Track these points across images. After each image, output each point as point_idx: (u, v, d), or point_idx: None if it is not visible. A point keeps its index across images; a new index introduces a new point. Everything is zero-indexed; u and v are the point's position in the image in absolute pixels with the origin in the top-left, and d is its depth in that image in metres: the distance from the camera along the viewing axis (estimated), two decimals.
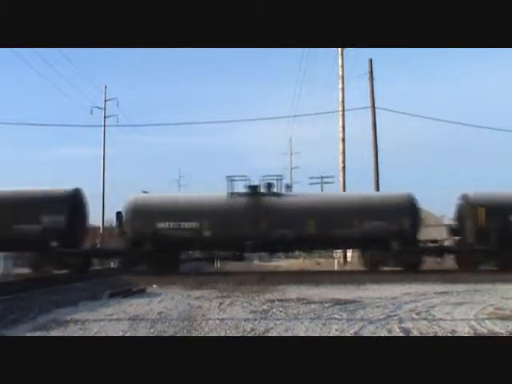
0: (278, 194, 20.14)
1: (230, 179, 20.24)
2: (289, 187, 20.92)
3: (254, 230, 19.29)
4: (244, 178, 20.38)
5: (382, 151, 28.56)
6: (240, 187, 20.30)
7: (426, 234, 21.91)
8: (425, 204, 22.49)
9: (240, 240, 19.49)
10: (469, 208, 20.39)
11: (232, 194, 20.16)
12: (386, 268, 19.58)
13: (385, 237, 19.32)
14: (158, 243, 19.30)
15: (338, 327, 7.06)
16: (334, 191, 21.55)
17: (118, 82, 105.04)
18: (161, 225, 19.46)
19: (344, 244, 22.08)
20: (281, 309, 8.95)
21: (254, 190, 20.16)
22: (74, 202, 20.18)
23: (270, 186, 20.33)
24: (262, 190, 20.20)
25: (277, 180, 20.52)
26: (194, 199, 20.67)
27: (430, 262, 20.30)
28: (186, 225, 19.52)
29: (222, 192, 20.29)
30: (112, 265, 29.45)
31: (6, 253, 24.05)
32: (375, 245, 19.61)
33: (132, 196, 20.89)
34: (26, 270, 20.37)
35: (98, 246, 24.68)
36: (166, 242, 19.32)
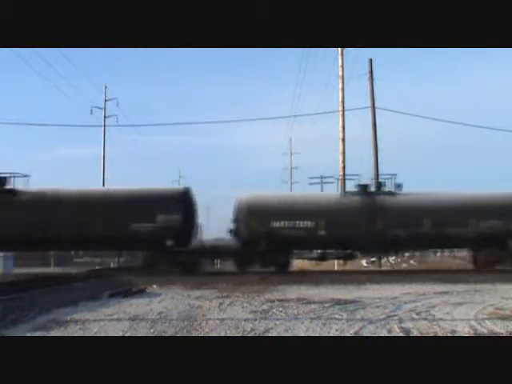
0: (391, 193, 20.07)
1: (340, 178, 20.35)
2: (399, 186, 20.53)
3: (369, 230, 19.22)
4: (354, 178, 20.51)
5: (382, 151, 28.56)
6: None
7: None
8: None
9: (354, 239, 19.45)
10: None
11: (345, 193, 20.22)
12: (498, 267, 19.48)
13: (501, 236, 19.25)
14: (272, 242, 19.22)
15: (338, 327, 7.06)
16: (448, 190, 21.29)
17: (118, 82, 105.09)
18: (276, 224, 19.40)
19: (458, 243, 21.78)
20: (281, 309, 8.95)
21: (364, 188, 20.19)
22: (187, 201, 20.12)
23: (380, 184, 20.40)
24: (372, 188, 20.25)
25: (387, 179, 20.48)
26: (309, 198, 20.58)
27: None
28: (301, 224, 19.48)
29: (335, 191, 20.44)
30: (112, 265, 29.50)
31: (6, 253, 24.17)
32: (491, 244, 19.51)
33: (245, 195, 20.82)
34: (25, 270, 20.38)
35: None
36: (280, 242, 19.24)
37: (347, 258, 21.30)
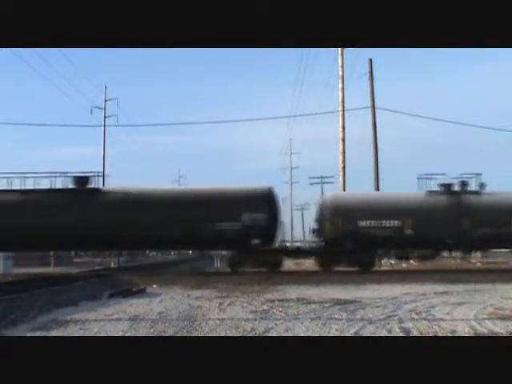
0: (477, 193, 20.08)
1: (426, 177, 20.29)
2: (482, 185, 20.53)
3: (455, 229, 19.26)
4: (437, 177, 20.46)
5: (382, 151, 28.56)
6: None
7: None
8: None
9: (440, 239, 19.50)
10: None
11: (430, 192, 20.24)
12: None
13: None
14: (358, 242, 19.24)
15: (338, 327, 7.06)
16: None
17: (118, 82, 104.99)
18: (362, 223, 19.45)
19: None
20: (281, 309, 8.95)
21: (448, 188, 20.21)
22: (271, 200, 20.18)
23: (464, 184, 20.34)
24: (456, 188, 20.24)
25: (470, 178, 20.43)
26: (394, 198, 20.66)
27: None
28: (388, 223, 19.53)
29: (420, 191, 20.43)
30: (112, 265, 29.50)
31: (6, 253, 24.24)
32: None
33: (329, 194, 20.93)
34: (25, 270, 20.39)
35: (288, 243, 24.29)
36: (366, 241, 19.28)
37: (430, 257, 21.30)
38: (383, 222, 19.50)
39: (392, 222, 19.46)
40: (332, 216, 19.71)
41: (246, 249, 19.34)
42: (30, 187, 19.86)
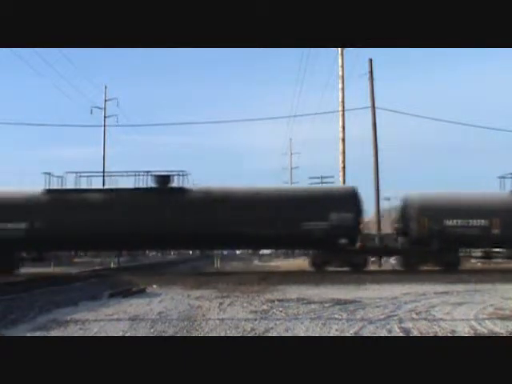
0: None
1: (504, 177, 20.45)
2: None
3: None
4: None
5: (382, 151, 28.57)
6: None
7: None
8: None
9: None
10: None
11: None
12: None
13: None
14: (444, 241, 19.24)
15: (338, 327, 7.06)
16: None
17: (118, 82, 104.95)
18: (448, 222, 19.47)
19: None
20: (281, 309, 8.95)
21: None
22: (357, 200, 20.19)
23: None
24: None
25: None
26: (481, 197, 20.64)
27: None
28: (475, 222, 19.54)
29: (503, 191, 20.57)
30: (112, 264, 29.47)
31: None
32: None
33: (415, 193, 20.83)
34: (25, 270, 20.37)
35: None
36: (452, 240, 19.29)
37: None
38: (470, 221, 19.53)
39: (479, 221, 19.49)
40: (418, 215, 19.74)
41: (333, 248, 19.38)
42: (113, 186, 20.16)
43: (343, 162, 27.80)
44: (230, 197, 19.80)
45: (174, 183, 20.20)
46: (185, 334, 6.74)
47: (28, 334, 6.74)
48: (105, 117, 39.69)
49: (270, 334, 6.64)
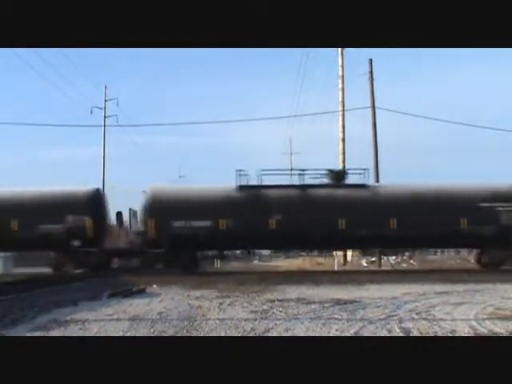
0: None
1: None
2: None
3: None
4: None
5: (382, 151, 28.56)
6: None
7: None
8: None
9: None
10: None
11: None
12: None
13: None
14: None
15: (338, 327, 7.06)
16: None
17: (118, 82, 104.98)
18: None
19: None
20: (281, 309, 8.95)
21: None
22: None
23: None
24: None
25: None
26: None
27: None
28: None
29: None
30: (116, 265, 29.28)
31: (6, 253, 24.21)
32: None
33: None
34: (25, 270, 20.37)
35: None
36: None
37: None
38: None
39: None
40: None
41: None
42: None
43: (343, 161, 27.81)
44: (422, 195, 19.76)
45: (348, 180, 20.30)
46: (185, 334, 6.73)
47: (28, 334, 6.74)
48: (105, 117, 39.56)
49: (269, 334, 6.64)
